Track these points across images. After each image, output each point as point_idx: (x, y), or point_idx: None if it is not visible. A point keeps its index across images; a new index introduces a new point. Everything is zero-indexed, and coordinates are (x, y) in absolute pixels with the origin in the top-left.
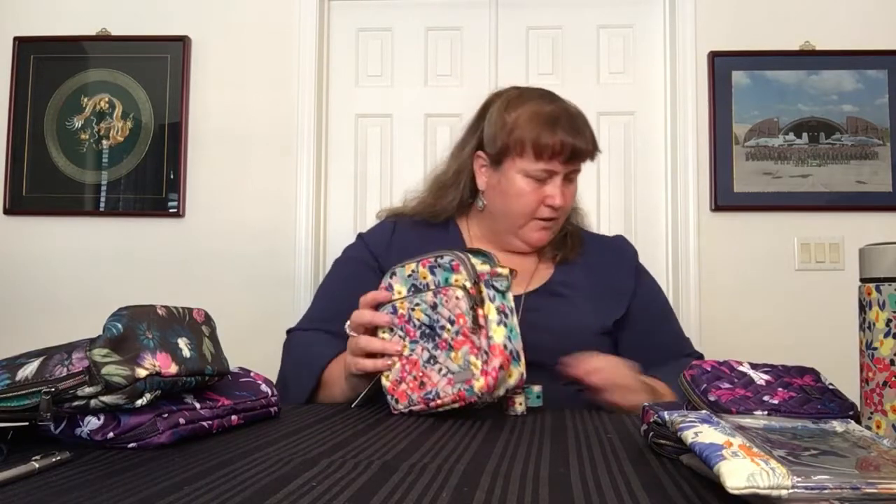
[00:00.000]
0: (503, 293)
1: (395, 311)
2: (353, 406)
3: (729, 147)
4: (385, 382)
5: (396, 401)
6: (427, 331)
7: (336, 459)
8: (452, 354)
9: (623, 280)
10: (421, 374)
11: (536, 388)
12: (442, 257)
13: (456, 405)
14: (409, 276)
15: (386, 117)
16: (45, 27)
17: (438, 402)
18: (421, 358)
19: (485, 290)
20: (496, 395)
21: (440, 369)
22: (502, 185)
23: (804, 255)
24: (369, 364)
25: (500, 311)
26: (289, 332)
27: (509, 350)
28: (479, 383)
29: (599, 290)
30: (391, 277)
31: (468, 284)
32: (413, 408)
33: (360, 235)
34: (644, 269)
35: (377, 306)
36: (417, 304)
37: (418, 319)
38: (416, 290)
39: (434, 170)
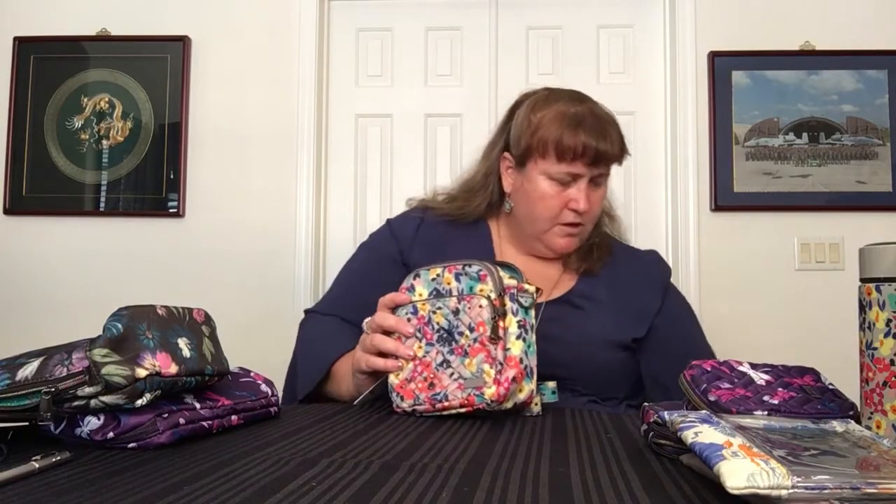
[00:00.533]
0: (526, 309)
1: (415, 312)
2: (354, 404)
3: (729, 147)
4: (393, 380)
5: (402, 398)
6: (444, 335)
7: (336, 459)
8: (466, 361)
9: (648, 299)
10: (432, 375)
11: (551, 385)
12: (470, 266)
13: (463, 410)
14: (433, 279)
15: (386, 117)
16: (45, 27)
17: (446, 404)
18: (434, 361)
19: (508, 303)
20: (504, 407)
21: (452, 374)
22: (526, 187)
23: (804, 255)
24: (380, 363)
25: (521, 326)
26: (307, 311)
27: (524, 364)
28: (491, 391)
29: (621, 306)
30: (414, 279)
31: (493, 295)
32: (417, 407)
33: (388, 222)
34: (675, 291)
35: (396, 308)
36: (439, 308)
37: (437, 323)
38: (437, 294)
39: (465, 171)
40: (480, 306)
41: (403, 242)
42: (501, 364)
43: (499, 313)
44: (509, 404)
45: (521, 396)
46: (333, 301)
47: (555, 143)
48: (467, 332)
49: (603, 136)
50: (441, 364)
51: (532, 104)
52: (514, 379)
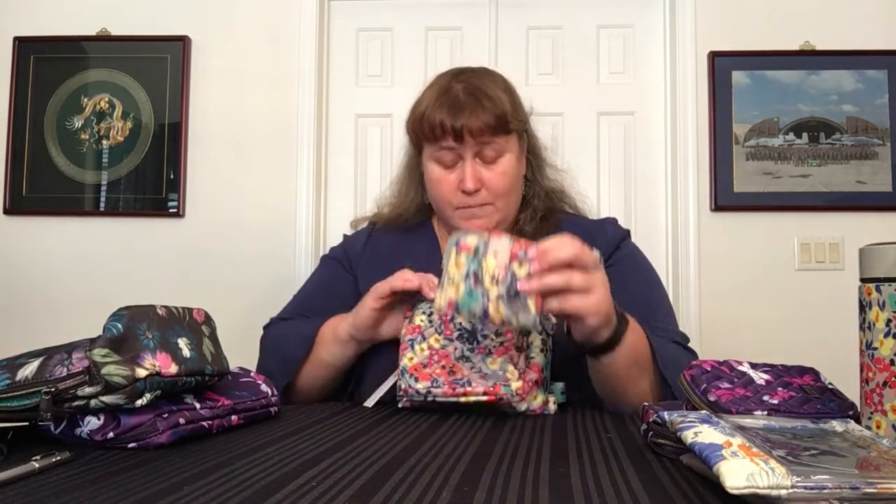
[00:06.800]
0: (549, 334)
1: None
2: (368, 405)
3: (729, 147)
4: (406, 363)
5: (416, 380)
6: (466, 334)
7: (336, 459)
8: (489, 360)
9: None
10: (451, 364)
11: (560, 385)
12: None
13: (485, 398)
14: None
15: (386, 117)
16: (45, 27)
17: (468, 390)
18: (452, 354)
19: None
20: (519, 409)
21: (472, 367)
22: (425, 174)
23: (804, 255)
24: (415, 280)
25: (544, 342)
26: (266, 326)
27: (545, 375)
28: (517, 384)
29: None
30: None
31: None
32: (434, 390)
33: (344, 237)
34: (630, 250)
35: (415, 294)
36: None
37: (460, 322)
38: None
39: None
40: None
41: (353, 256)
42: (524, 368)
43: (524, 331)
44: (523, 407)
45: (535, 404)
46: (291, 310)
47: (421, 123)
48: (493, 336)
49: (469, 109)
50: (460, 358)
51: (424, 87)
52: (535, 382)
